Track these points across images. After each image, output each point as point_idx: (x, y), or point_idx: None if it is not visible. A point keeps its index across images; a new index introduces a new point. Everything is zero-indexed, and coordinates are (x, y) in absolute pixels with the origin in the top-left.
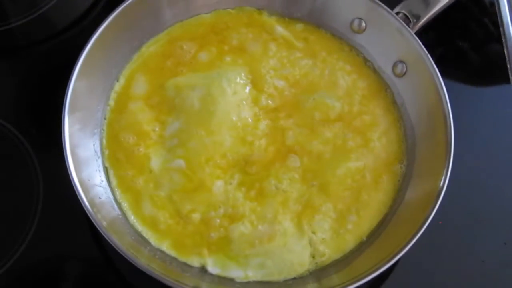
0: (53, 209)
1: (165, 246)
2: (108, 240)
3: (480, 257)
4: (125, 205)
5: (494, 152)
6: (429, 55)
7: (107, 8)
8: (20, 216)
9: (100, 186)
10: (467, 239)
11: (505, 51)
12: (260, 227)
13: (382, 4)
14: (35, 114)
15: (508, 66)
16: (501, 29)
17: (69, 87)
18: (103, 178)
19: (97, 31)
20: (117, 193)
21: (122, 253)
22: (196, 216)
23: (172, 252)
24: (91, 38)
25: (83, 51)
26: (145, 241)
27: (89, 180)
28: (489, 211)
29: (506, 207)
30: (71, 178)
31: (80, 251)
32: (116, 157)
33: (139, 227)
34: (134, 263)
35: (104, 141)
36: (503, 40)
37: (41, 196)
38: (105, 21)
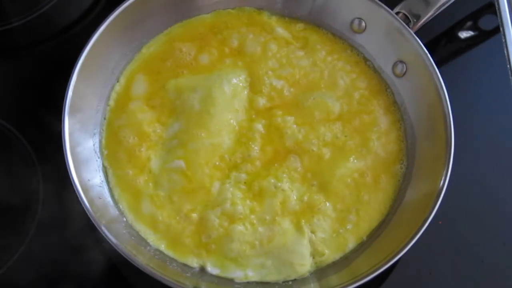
0: (53, 209)
1: (164, 246)
2: (108, 240)
3: (480, 257)
4: (124, 204)
5: (494, 152)
6: (429, 55)
7: (107, 8)
8: (20, 216)
9: (100, 186)
10: (467, 239)
11: (505, 51)
12: (259, 227)
13: (382, 4)
14: (35, 114)
15: (508, 66)
16: (501, 29)
17: (69, 87)
18: (103, 178)
19: (97, 31)
20: (116, 192)
21: (122, 253)
22: (195, 216)
23: (170, 253)
24: (91, 38)
25: (83, 51)
26: (144, 241)
27: (89, 180)
28: (489, 211)
29: (505, 207)
30: (71, 178)
31: (80, 251)
32: (116, 157)
33: (138, 226)
34: (134, 263)
35: (103, 141)
36: (503, 40)
37: (41, 196)
38: (105, 21)
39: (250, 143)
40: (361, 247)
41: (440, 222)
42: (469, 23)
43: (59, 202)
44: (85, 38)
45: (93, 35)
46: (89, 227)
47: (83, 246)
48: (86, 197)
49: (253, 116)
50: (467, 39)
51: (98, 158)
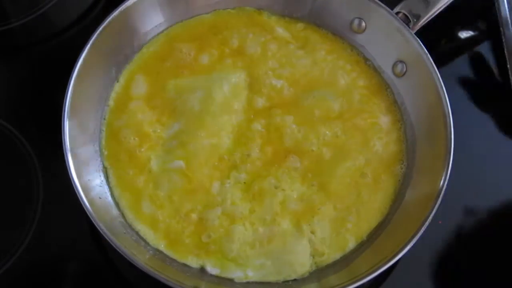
0: (53, 209)
1: (163, 246)
2: (108, 240)
3: (480, 257)
4: (124, 204)
5: (494, 152)
6: (429, 55)
7: (107, 8)
8: (20, 216)
9: (100, 186)
10: (467, 239)
11: (505, 51)
12: (259, 227)
13: (382, 4)
14: (35, 114)
15: (508, 66)
16: (501, 29)
17: (69, 87)
18: (103, 178)
19: (96, 31)
20: (116, 192)
21: (122, 253)
22: (195, 216)
23: (170, 253)
24: (91, 38)
25: (83, 51)
26: (144, 241)
27: (89, 180)
28: (489, 211)
29: (506, 207)
30: (71, 179)
31: (80, 251)
32: (116, 157)
33: (138, 226)
34: (134, 263)
35: (104, 141)
36: (503, 40)
37: (41, 196)
38: (105, 21)
39: (250, 143)
40: (361, 247)
41: (440, 222)
42: (469, 23)
43: (59, 202)
44: (85, 38)
45: (93, 35)
46: (89, 227)
47: (83, 246)
48: (87, 197)
49: (253, 116)
50: (467, 39)
51: (98, 158)
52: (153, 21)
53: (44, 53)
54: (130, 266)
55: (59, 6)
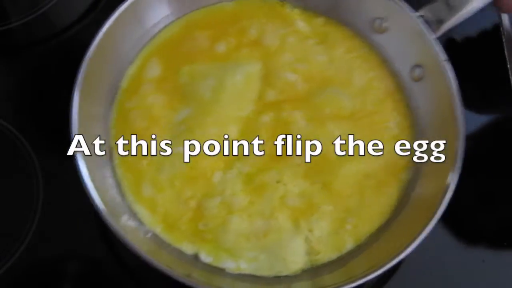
0: (53, 209)
1: (160, 230)
2: (106, 223)
3: (480, 257)
4: (125, 184)
5: (494, 152)
6: (449, 62)
7: (108, 8)
8: (20, 216)
9: (103, 165)
10: (467, 239)
11: (505, 51)
12: (257, 220)
13: (406, 6)
14: (35, 114)
15: (508, 66)
16: (501, 29)
17: (80, 69)
18: (108, 157)
19: (110, 18)
20: (119, 172)
21: (120, 238)
22: (194, 204)
23: (166, 237)
24: (102, 27)
25: (100, 32)
26: (141, 224)
27: (91, 156)
28: (489, 211)
29: (506, 207)
30: (77, 166)
31: (80, 251)
32: (123, 137)
33: (137, 207)
34: (128, 246)
35: (112, 121)
36: (503, 40)
37: (41, 196)
38: (120, 6)
39: (256, 135)
40: (359, 249)
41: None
42: (469, 24)
43: (59, 202)
44: (86, 38)
45: (101, 29)
46: (89, 227)
47: (83, 246)
48: (90, 174)
49: (262, 108)
50: (466, 39)
51: (104, 137)
52: (172, 5)
53: (44, 53)
54: (135, 261)
55: (59, 6)
